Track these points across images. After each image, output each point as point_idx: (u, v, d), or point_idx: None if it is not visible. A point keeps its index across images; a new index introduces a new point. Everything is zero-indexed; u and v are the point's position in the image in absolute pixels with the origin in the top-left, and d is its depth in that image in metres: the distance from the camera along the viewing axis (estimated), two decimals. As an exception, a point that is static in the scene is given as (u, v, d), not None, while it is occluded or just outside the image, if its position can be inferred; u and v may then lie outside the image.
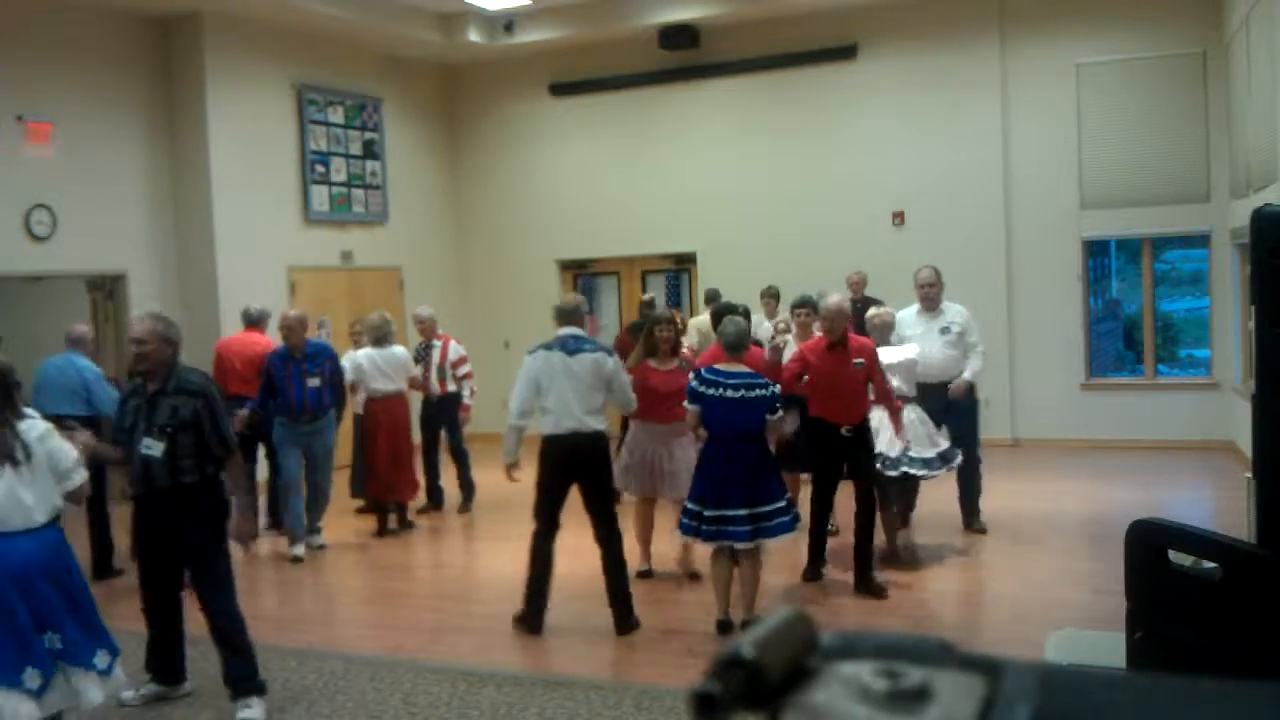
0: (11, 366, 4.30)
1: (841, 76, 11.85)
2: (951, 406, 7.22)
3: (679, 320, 7.68)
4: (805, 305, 7.01)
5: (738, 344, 5.71)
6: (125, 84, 10.38)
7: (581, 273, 13.48)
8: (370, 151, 12.42)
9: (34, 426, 4.22)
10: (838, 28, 11.76)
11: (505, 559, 7.80)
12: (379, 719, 4.83)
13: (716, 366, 5.69)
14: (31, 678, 4.07)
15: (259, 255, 10.93)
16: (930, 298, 7.49)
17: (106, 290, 10.43)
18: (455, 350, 9.06)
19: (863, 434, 6.34)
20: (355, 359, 8.46)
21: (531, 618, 5.90)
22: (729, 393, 5.52)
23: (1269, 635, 2.51)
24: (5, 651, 4.05)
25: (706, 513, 5.51)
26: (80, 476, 4.33)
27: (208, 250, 10.65)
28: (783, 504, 5.59)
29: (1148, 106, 10.90)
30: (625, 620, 5.85)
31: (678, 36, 12.05)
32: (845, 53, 11.82)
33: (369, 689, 5.17)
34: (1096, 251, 11.87)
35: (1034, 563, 6.91)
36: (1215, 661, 2.58)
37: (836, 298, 6.39)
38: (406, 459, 8.53)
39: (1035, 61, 11.18)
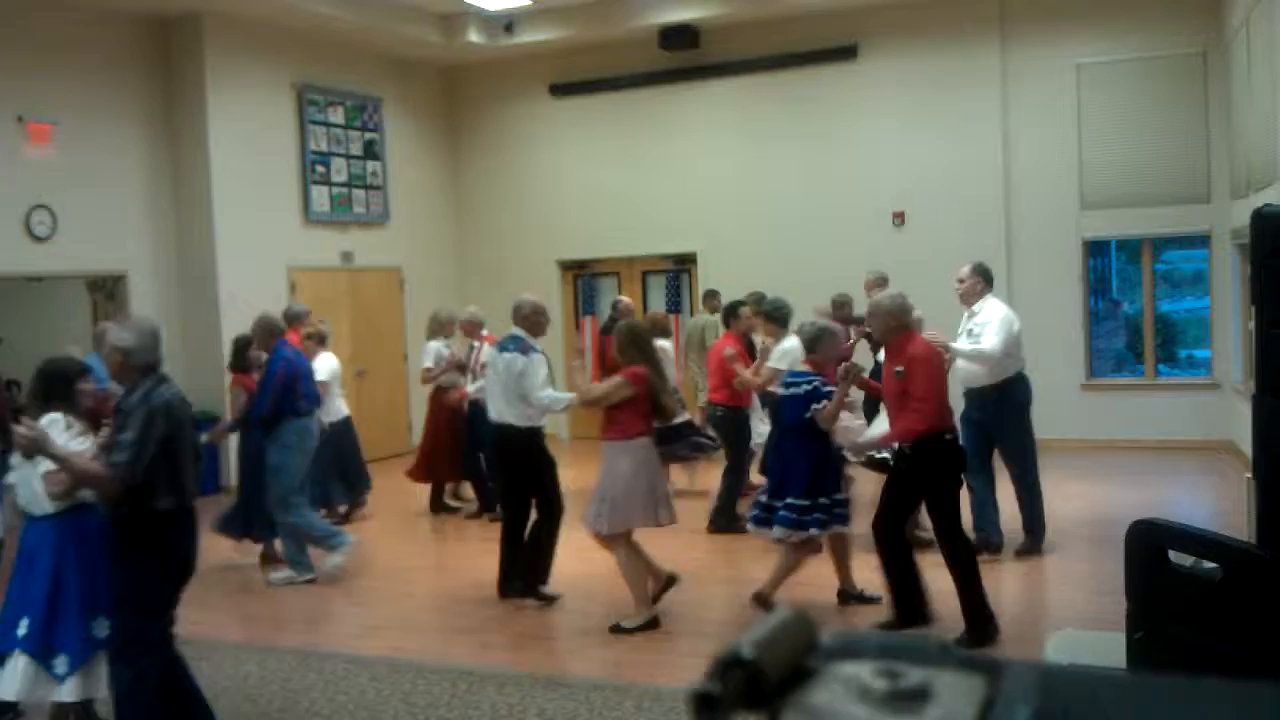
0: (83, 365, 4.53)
1: (841, 76, 11.85)
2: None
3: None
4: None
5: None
6: (125, 84, 10.38)
7: (581, 273, 13.48)
8: (370, 152, 12.42)
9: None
10: (838, 28, 11.76)
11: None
12: (379, 719, 4.83)
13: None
14: (61, 663, 4.12)
15: (259, 255, 10.93)
16: (962, 293, 7.11)
17: (106, 291, 10.42)
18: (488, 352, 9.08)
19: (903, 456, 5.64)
20: (433, 349, 9.05)
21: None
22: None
23: (1269, 635, 2.51)
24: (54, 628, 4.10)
25: (821, 500, 5.82)
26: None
27: (208, 250, 10.65)
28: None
29: (1148, 106, 10.90)
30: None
31: (678, 36, 12.05)
32: (845, 53, 11.82)
33: (369, 689, 5.16)
34: (1096, 252, 11.86)
35: (1034, 563, 6.91)
36: (1215, 661, 2.58)
37: (881, 294, 5.92)
38: (446, 448, 8.90)
39: (1035, 61, 11.18)
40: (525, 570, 6.45)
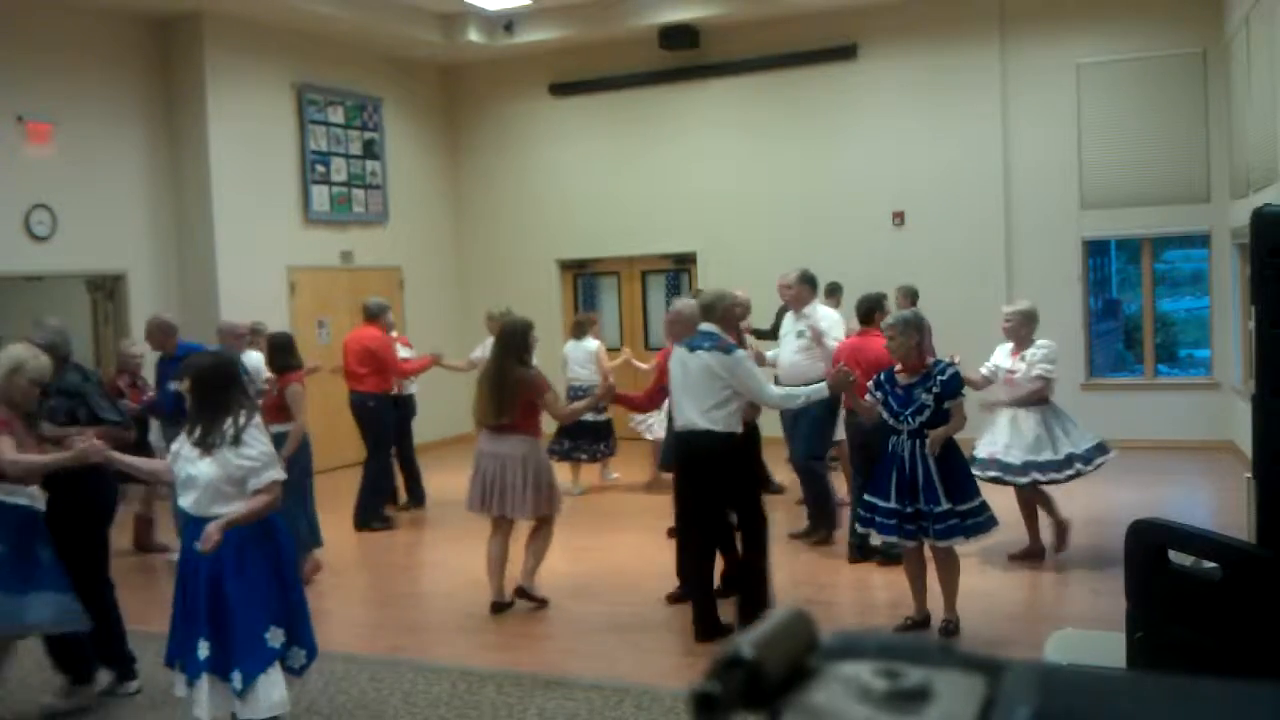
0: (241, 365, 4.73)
1: (841, 76, 11.85)
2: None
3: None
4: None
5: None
6: (125, 84, 10.38)
7: (581, 273, 13.48)
8: (370, 151, 12.42)
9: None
10: (838, 28, 11.76)
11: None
12: (379, 719, 4.83)
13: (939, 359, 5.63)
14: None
15: (259, 255, 10.93)
16: (789, 300, 7.75)
17: (106, 290, 10.42)
18: None
19: None
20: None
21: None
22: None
23: (1269, 635, 2.51)
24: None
25: (910, 509, 5.41)
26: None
27: (208, 250, 10.65)
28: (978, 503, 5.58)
29: (1148, 106, 10.90)
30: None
31: (678, 36, 12.05)
32: (845, 53, 11.82)
33: (369, 689, 5.17)
34: (1096, 251, 11.87)
35: (1034, 563, 6.91)
36: (1215, 661, 2.58)
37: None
38: None
39: (1035, 61, 11.18)
40: (740, 599, 5.82)
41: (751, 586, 5.74)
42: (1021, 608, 6.21)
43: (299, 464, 6.91)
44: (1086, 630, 4.45)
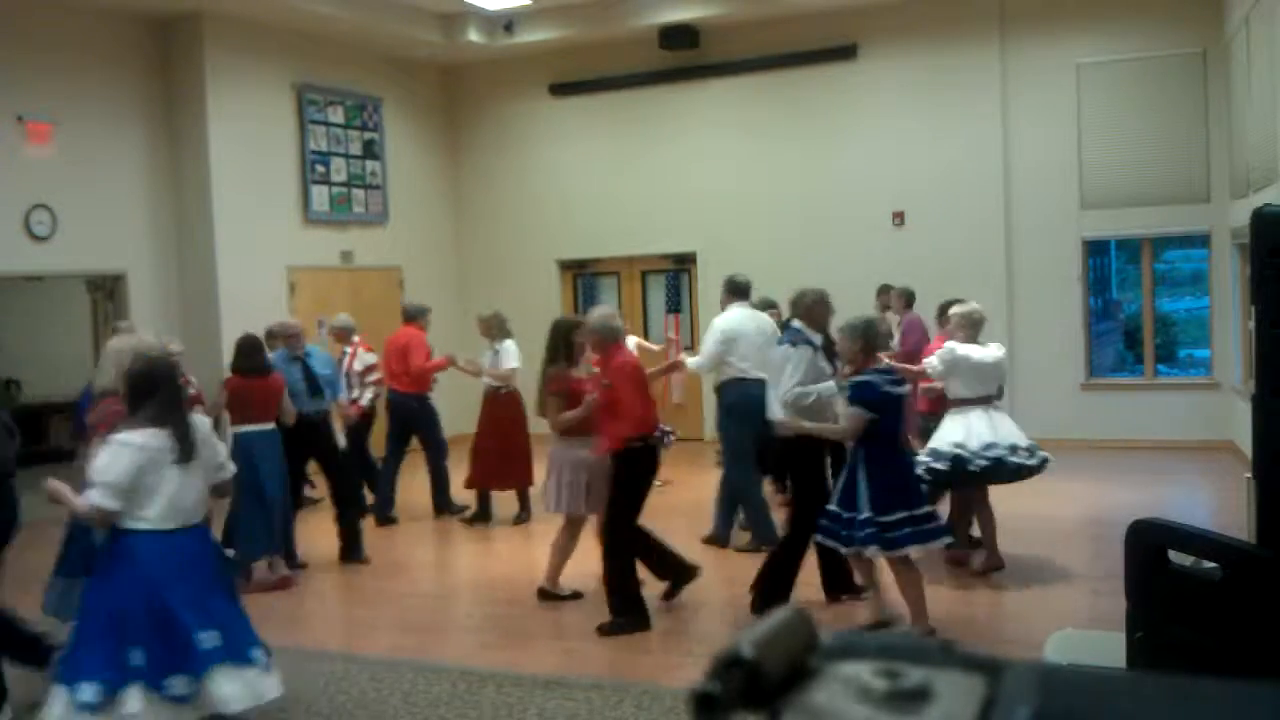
0: (175, 365, 4.55)
1: (841, 76, 11.85)
2: None
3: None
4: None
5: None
6: (125, 84, 10.38)
7: (581, 273, 13.48)
8: (370, 151, 12.42)
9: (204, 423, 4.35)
10: (838, 28, 11.76)
11: (505, 559, 7.81)
12: (379, 719, 4.83)
13: (880, 366, 5.51)
14: (180, 684, 3.95)
15: (259, 255, 10.93)
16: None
17: (106, 290, 10.43)
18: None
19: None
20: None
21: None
22: (903, 389, 5.51)
23: (1269, 635, 2.51)
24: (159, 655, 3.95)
25: (887, 519, 5.26)
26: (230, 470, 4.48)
27: (208, 250, 10.65)
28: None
29: (1148, 106, 10.90)
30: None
31: (678, 36, 12.05)
32: (845, 53, 11.82)
33: (369, 689, 5.16)
34: (1096, 251, 11.87)
35: (1034, 563, 6.91)
36: (1215, 661, 2.58)
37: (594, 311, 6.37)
38: (515, 451, 8.57)
39: (1035, 61, 11.18)
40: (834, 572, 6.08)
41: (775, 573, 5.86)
42: (1021, 608, 6.21)
43: (258, 469, 6.72)
44: (1086, 630, 4.45)
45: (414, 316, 8.96)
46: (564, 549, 6.38)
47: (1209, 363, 11.18)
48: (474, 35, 12.36)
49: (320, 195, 11.75)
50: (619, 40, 12.42)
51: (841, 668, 0.65)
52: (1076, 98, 11.07)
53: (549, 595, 6.40)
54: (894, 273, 10.29)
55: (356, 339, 8.87)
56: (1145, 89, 10.91)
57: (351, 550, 7.56)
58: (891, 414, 5.33)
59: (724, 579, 6.86)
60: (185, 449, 4.08)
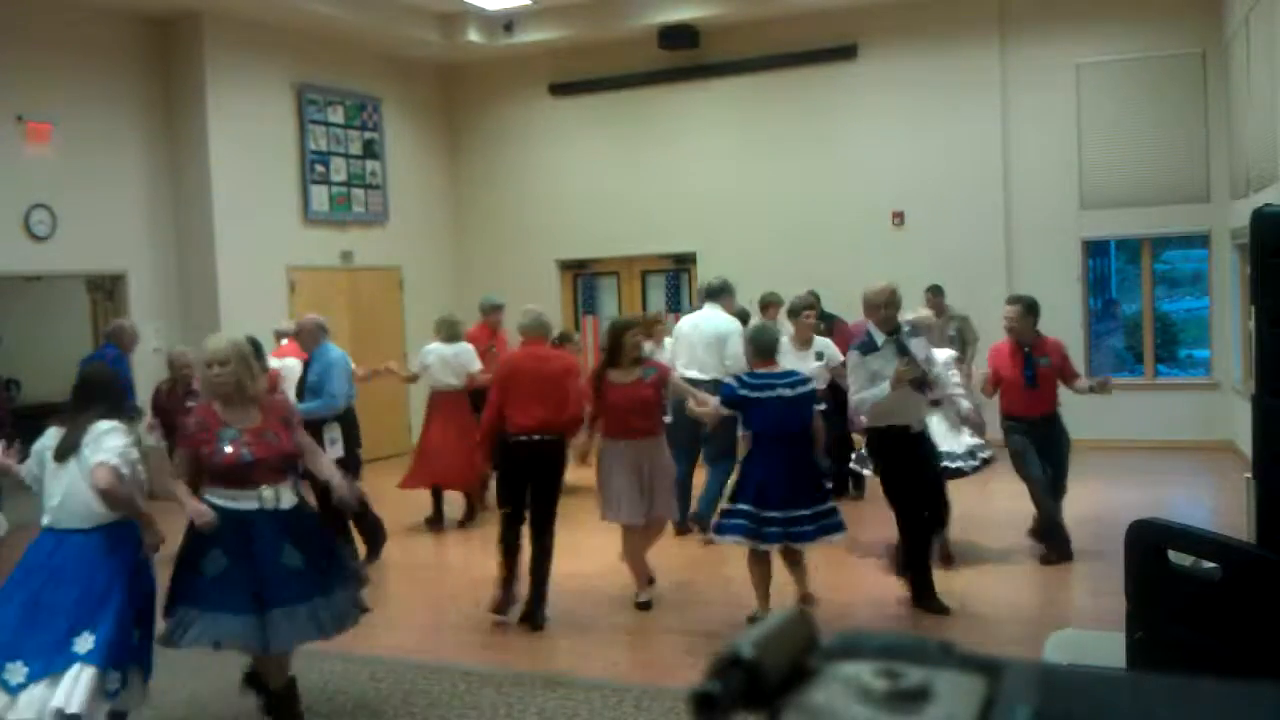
0: (115, 374, 4.67)
1: (841, 76, 11.85)
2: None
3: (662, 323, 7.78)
4: (809, 307, 7.81)
5: (773, 348, 6.03)
6: (125, 84, 10.38)
7: (581, 273, 13.48)
8: (370, 151, 12.42)
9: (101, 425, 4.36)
10: (838, 28, 11.76)
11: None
12: (379, 719, 4.83)
13: (759, 370, 5.82)
14: (15, 672, 3.99)
15: (259, 255, 10.93)
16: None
17: (106, 290, 10.43)
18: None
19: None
20: (425, 353, 8.74)
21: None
22: (785, 392, 5.68)
23: (1269, 635, 2.51)
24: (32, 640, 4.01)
25: (766, 514, 5.58)
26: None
27: (208, 250, 10.65)
28: (833, 505, 5.82)
29: (1148, 106, 10.90)
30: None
31: (678, 36, 12.05)
32: (845, 53, 11.82)
33: (369, 689, 5.17)
34: (1096, 251, 11.87)
35: (1034, 563, 6.91)
36: (1215, 661, 2.58)
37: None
38: (462, 448, 8.38)
39: (1035, 61, 11.18)
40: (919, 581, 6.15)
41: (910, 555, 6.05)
42: (1021, 608, 6.21)
43: None
44: (1086, 630, 4.46)
45: (487, 314, 9.44)
46: (635, 553, 6.30)
47: (1209, 363, 11.18)
48: (474, 35, 12.36)
49: (320, 195, 11.76)
50: (619, 40, 12.42)
51: (841, 668, 0.65)
52: (1076, 98, 11.08)
53: (643, 605, 6.29)
54: (894, 273, 10.24)
55: (284, 342, 8.61)
56: (1145, 89, 10.91)
57: (372, 551, 7.57)
58: (762, 413, 5.68)
59: (724, 579, 6.87)
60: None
